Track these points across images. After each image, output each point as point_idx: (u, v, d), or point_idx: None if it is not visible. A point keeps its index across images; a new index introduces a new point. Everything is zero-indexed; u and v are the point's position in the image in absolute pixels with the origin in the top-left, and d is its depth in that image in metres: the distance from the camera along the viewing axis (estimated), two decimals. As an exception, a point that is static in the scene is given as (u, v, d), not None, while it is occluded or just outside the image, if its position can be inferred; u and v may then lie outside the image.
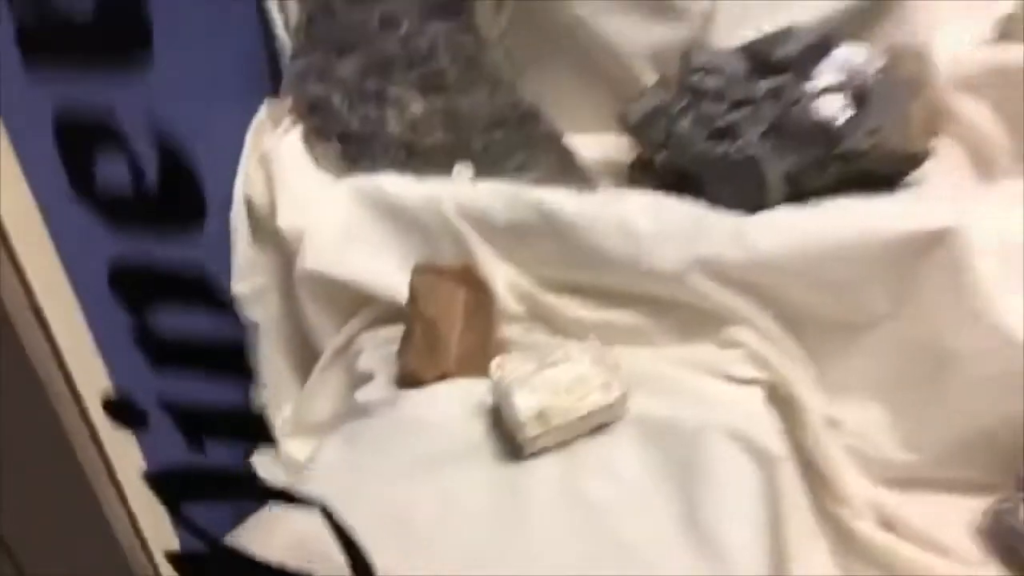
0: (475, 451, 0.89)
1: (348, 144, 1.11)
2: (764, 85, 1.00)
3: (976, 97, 1.11)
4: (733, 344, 0.98)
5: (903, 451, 0.95)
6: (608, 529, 0.80)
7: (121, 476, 0.56)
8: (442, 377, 0.98)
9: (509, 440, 0.88)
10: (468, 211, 1.04)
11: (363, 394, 1.01)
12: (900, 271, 0.93)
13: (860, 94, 0.99)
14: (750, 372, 0.96)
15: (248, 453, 1.04)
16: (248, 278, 1.09)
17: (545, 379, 0.88)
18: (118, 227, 0.41)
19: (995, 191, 1.11)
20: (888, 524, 0.91)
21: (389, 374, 1.01)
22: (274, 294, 1.11)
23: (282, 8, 1.12)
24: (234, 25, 1.11)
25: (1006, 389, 0.89)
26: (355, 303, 1.09)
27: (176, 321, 0.46)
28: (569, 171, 1.06)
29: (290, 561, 0.50)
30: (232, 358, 0.48)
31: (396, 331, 1.03)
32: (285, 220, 1.06)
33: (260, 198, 1.09)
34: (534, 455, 0.88)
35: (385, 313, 1.07)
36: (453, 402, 0.93)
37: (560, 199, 1.02)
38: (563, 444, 0.89)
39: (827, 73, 1.02)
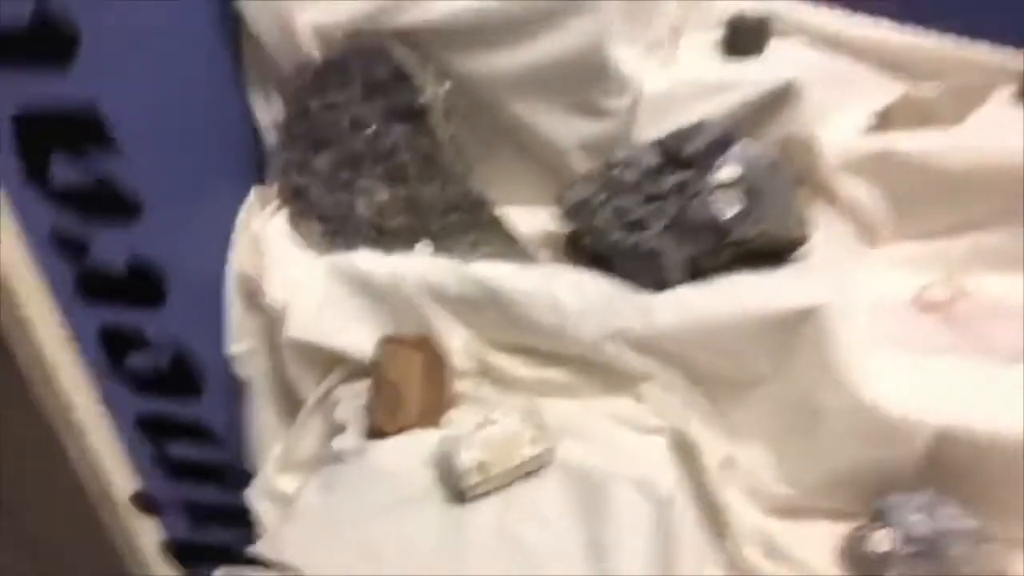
0: (428, 496, 1.09)
1: (326, 225, 1.30)
2: (670, 180, 1.19)
3: (860, 179, 1.31)
4: (645, 399, 1.18)
5: (785, 486, 1.16)
6: (533, 567, 1.00)
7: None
8: (403, 430, 1.19)
9: (455, 487, 1.08)
10: (426, 285, 1.24)
11: (338, 442, 1.21)
12: (777, 340, 1.13)
13: (750, 187, 1.17)
14: (658, 423, 1.17)
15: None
16: (240, 341, 1.30)
17: (483, 436, 1.08)
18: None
19: (877, 256, 1.32)
20: (771, 552, 1.12)
21: (360, 425, 1.21)
22: (262, 354, 1.31)
23: (267, 109, 1.31)
24: (227, 123, 1.30)
25: (860, 441, 1.10)
26: (332, 361, 1.28)
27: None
28: (513, 248, 1.25)
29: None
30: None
31: (368, 385, 1.24)
32: (271, 293, 1.26)
33: (250, 272, 1.29)
34: (476, 499, 1.08)
35: (358, 369, 1.27)
36: (411, 454, 1.13)
37: (502, 276, 1.21)
38: (500, 489, 1.09)
39: (726, 167, 1.20)
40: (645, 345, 1.16)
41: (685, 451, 1.16)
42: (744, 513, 1.15)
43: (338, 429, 1.23)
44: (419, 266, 1.25)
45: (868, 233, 1.33)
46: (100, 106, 0.94)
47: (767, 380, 1.16)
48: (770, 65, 1.34)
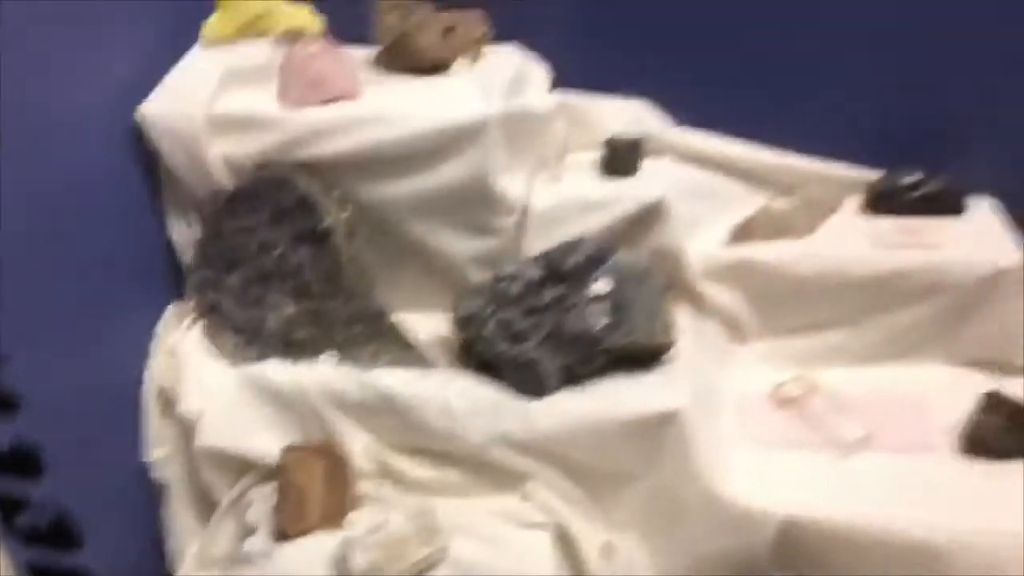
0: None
1: (238, 338, 1.41)
2: (550, 293, 1.32)
3: (723, 285, 1.46)
4: (530, 497, 1.30)
5: (657, 573, 1.27)
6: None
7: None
8: (307, 532, 1.28)
9: (352, 587, 1.17)
10: (329, 392, 1.34)
11: (248, 544, 1.30)
12: (645, 440, 1.26)
13: (621, 299, 1.31)
14: (542, 518, 1.28)
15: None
16: (158, 447, 1.39)
17: (376, 539, 1.18)
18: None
19: (742, 354, 1.47)
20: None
21: (269, 527, 1.30)
22: (179, 459, 1.40)
23: (183, 232, 1.42)
24: (145, 246, 1.41)
25: (717, 531, 1.22)
26: (244, 466, 1.37)
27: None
28: (412, 356, 1.37)
29: None
30: None
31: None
32: (185, 403, 1.35)
33: (166, 383, 1.38)
34: (370, 598, 1.18)
35: (269, 473, 1.36)
36: (312, 556, 1.23)
37: (398, 383, 1.32)
38: (396, 587, 1.19)
39: (600, 280, 1.34)
40: (527, 447, 1.27)
41: (567, 543, 1.27)
42: (623, 599, 1.27)
43: (249, 531, 1.32)
44: (323, 375, 1.36)
45: (734, 333, 1.48)
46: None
47: (639, 476, 1.28)
48: (644, 183, 1.49)
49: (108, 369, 1.35)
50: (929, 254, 1.42)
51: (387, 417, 1.33)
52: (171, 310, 1.43)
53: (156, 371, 1.39)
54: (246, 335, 1.40)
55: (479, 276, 1.42)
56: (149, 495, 1.42)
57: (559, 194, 1.48)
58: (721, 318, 1.46)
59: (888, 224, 1.48)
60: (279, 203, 1.35)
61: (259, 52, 1.43)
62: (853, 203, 1.56)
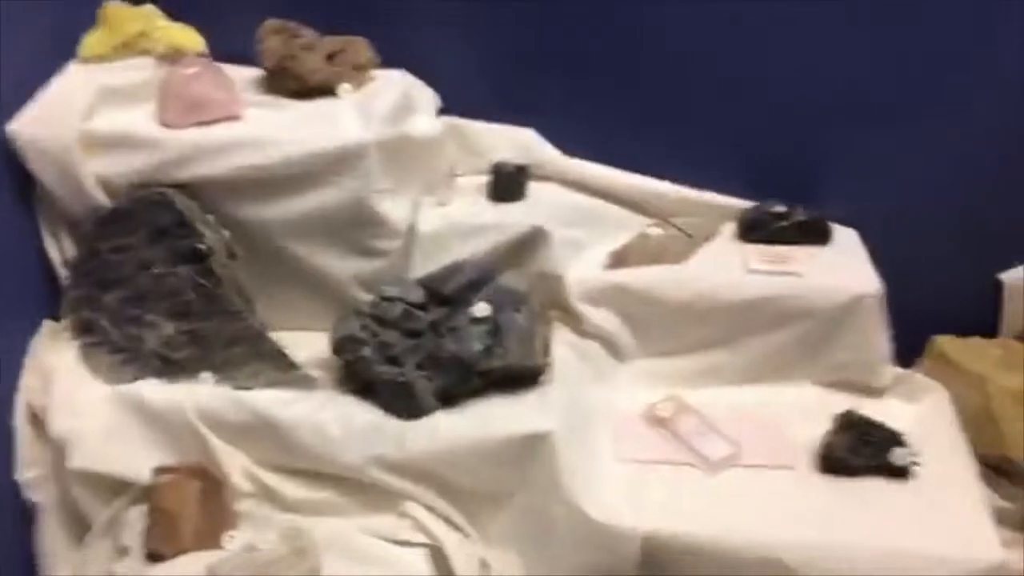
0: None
1: (116, 357, 1.39)
2: (428, 317, 1.35)
3: (601, 308, 1.51)
4: (406, 516, 1.32)
5: (530, 589, 1.31)
6: None
7: None
8: (181, 553, 1.27)
9: (220, 610, 1.17)
10: (205, 413, 1.34)
11: (121, 567, 1.28)
12: (517, 460, 1.29)
13: (497, 323, 1.35)
14: (418, 537, 1.30)
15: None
16: (30, 467, 1.36)
17: (245, 561, 1.19)
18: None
19: (621, 373, 1.52)
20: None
21: (141, 550, 1.29)
22: (52, 481, 1.37)
23: (59, 250, 1.40)
24: (19, 262, 1.38)
25: (584, 548, 1.26)
26: (119, 487, 1.35)
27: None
28: (292, 376, 1.38)
29: None
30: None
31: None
32: (56, 424, 1.33)
33: (38, 402, 1.36)
34: (240, 619, 1.18)
35: (144, 494, 1.35)
36: (180, 577, 1.22)
37: (274, 404, 1.33)
38: (264, 607, 1.20)
39: (479, 304, 1.37)
40: (402, 468, 1.30)
41: (442, 561, 1.29)
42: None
43: (122, 553, 1.30)
44: (200, 396, 1.35)
45: (613, 354, 1.53)
46: None
47: (512, 495, 1.31)
48: (529, 208, 1.54)
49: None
50: (795, 281, 1.50)
51: (263, 438, 1.33)
52: (46, 329, 1.41)
53: (28, 390, 1.36)
54: (123, 355, 1.38)
55: (365, 296, 1.45)
56: (21, 516, 1.39)
57: (446, 217, 1.52)
58: (601, 339, 1.51)
59: (758, 251, 1.56)
60: (157, 223, 1.34)
61: (138, 71, 1.43)
62: (727, 231, 1.64)
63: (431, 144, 1.51)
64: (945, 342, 1.63)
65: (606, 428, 1.42)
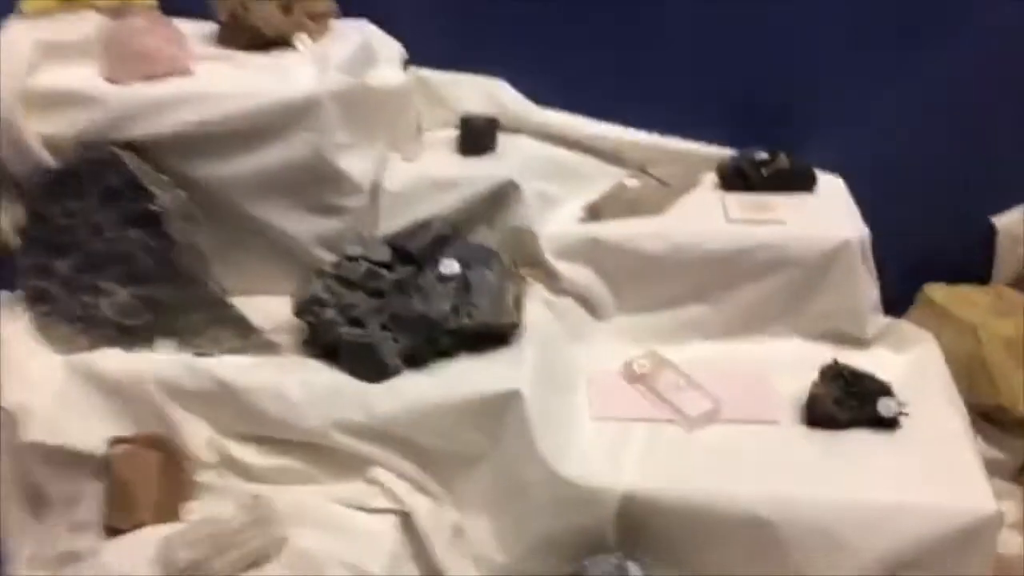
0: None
1: (71, 326, 1.33)
2: (393, 276, 1.30)
3: (577, 263, 1.45)
4: (374, 482, 1.26)
5: (500, 554, 1.26)
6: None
7: None
8: (139, 526, 1.22)
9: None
10: (163, 381, 1.28)
11: (80, 541, 1.23)
12: (488, 421, 1.24)
13: (466, 281, 1.29)
14: (387, 503, 1.25)
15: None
16: (-15, 443, 1.31)
17: (203, 533, 1.14)
18: None
19: (600, 330, 1.46)
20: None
21: (99, 524, 1.24)
22: (6, 455, 1.32)
23: (6, 215, 1.34)
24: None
25: (558, 510, 1.21)
26: (76, 460, 1.30)
27: None
28: (254, 342, 1.33)
29: None
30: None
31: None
32: (7, 396, 1.27)
33: (-9, 376, 1.31)
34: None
35: (101, 467, 1.30)
36: (140, 552, 1.16)
37: (234, 371, 1.28)
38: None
39: (446, 261, 1.32)
40: (367, 432, 1.24)
41: (413, 528, 1.25)
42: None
43: (80, 527, 1.26)
44: (158, 364, 1.30)
45: (590, 310, 1.47)
46: None
47: (484, 457, 1.26)
48: (500, 161, 1.48)
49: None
50: (778, 229, 1.44)
51: (224, 406, 1.27)
52: (3, 299, 1.36)
53: (-20, 364, 1.32)
54: (77, 323, 1.32)
55: (328, 257, 1.38)
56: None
57: (413, 173, 1.46)
58: (576, 296, 1.45)
59: (739, 201, 1.50)
60: (107, 184, 1.28)
61: (82, 25, 1.35)
62: (707, 181, 1.58)
63: (395, 97, 1.45)
64: (935, 290, 1.57)
65: (582, 386, 1.37)
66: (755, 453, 1.25)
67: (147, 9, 1.39)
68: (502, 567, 1.25)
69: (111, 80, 1.29)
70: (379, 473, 1.26)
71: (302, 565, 1.16)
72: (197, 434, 1.29)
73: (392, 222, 1.41)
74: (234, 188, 1.33)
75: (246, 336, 1.33)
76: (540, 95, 1.55)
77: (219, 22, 1.41)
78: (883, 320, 1.47)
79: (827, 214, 1.47)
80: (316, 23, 1.41)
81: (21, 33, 1.33)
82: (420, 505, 1.25)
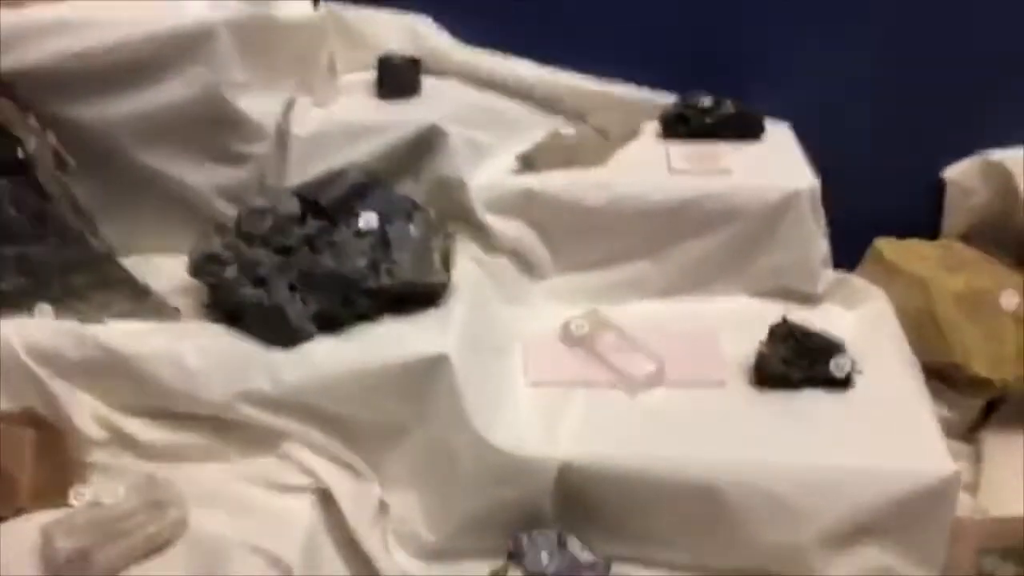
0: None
1: (-69, 292, 1.17)
2: (302, 231, 1.16)
3: (510, 218, 1.34)
4: (286, 457, 1.14)
5: (429, 532, 1.15)
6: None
7: None
8: (19, 513, 1.08)
9: (57, 577, 0.99)
10: (40, 352, 1.12)
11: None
12: (412, 389, 1.12)
13: (385, 236, 1.17)
14: (301, 481, 1.12)
15: None
16: None
17: (87, 519, 1.00)
18: None
19: (536, 290, 1.36)
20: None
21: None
22: None
23: None
24: None
25: (491, 482, 1.11)
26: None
27: None
28: (146, 306, 1.18)
29: None
30: None
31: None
32: None
33: None
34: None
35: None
36: (16, 542, 1.01)
37: (123, 339, 1.13)
38: (116, 571, 1.01)
39: (363, 215, 1.19)
40: (278, 403, 1.11)
41: (331, 506, 1.13)
42: (394, 558, 1.14)
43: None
44: (35, 332, 1.14)
45: (526, 268, 1.37)
46: None
47: (409, 428, 1.14)
48: (423, 106, 1.36)
49: None
50: (723, 180, 1.35)
51: (114, 376, 1.12)
52: None
53: None
54: (-60, 289, 1.17)
55: (230, 211, 1.25)
56: None
57: (327, 118, 1.32)
58: (510, 253, 1.34)
59: (683, 150, 1.40)
60: (-35, 127, 1.12)
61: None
62: (649, 129, 1.47)
63: (303, 31, 1.31)
64: (884, 244, 1.50)
65: (517, 350, 1.26)
66: (702, 417, 1.17)
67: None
68: (431, 546, 1.14)
69: (-32, 6, 1.13)
70: (293, 448, 1.13)
71: (205, 551, 1.03)
72: (83, 409, 1.14)
73: (302, 172, 1.27)
74: (118, 131, 1.18)
75: (138, 299, 1.18)
76: (467, 33, 1.43)
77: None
78: (832, 275, 1.40)
79: (775, 164, 1.39)
80: (212, -54, 1.26)
81: None
82: (340, 481, 1.13)
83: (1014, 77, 1.48)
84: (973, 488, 1.30)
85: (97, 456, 1.15)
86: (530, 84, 1.43)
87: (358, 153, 1.29)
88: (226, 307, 1.16)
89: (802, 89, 1.49)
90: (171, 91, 1.15)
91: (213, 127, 1.20)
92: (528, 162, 1.35)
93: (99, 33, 1.11)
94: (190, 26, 1.13)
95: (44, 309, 1.17)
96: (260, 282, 1.13)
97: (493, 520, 1.13)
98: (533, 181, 1.34)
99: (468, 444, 1.10)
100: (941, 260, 1.48)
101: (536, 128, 1.41)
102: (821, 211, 1.36)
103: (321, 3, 1.37)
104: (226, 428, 1.15)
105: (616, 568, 1.10)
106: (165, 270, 1.24)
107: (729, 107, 1.43)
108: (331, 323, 1.15)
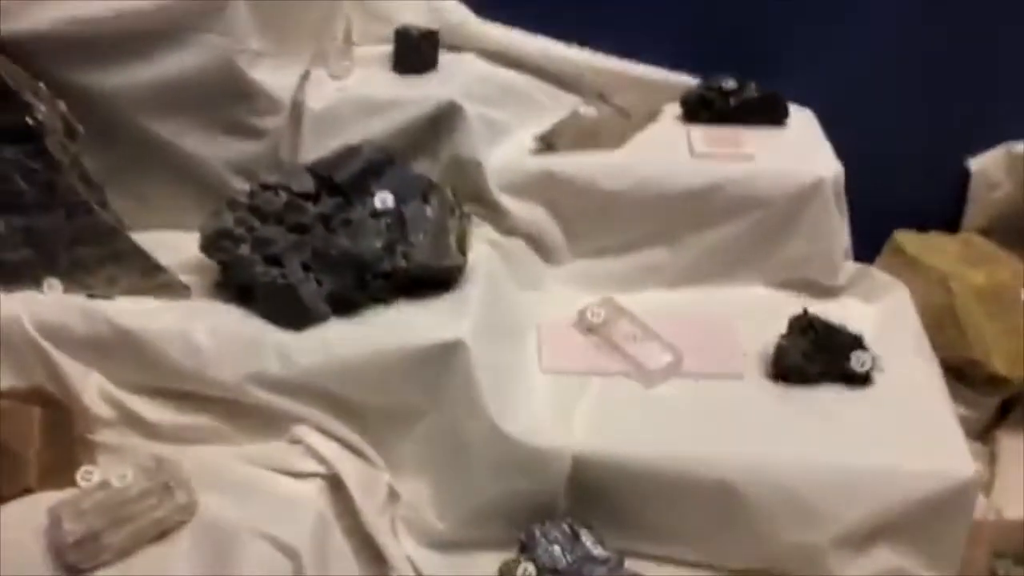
0: (38, 572, 0.97)
1: (-64, 263, 1.14)
2: (316, 209, 1.13)
3: (527, 200, 1.31)
4: (297, 441, 1.12)
5: (440, 521, 1.13)
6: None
7: None
8: (25, 493, 1.06)
9: (64, 561, 0.96)
10: (48, 327, 1.10)
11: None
12: (426, 374, 1.10)
13: (401, 216, 1.14)
14: (311, 466, 1.10)
15: None
16: None
17: (94, 501, 0.98)
18: None
19: (552, 275, 1.34)
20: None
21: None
22: None
23: None
24: None
25: (504, 473, 1.09)
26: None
27: None
28: (156, 282, 1.15)
29: None
30: None
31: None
32: None
33: None
34: (92, 571, 0.98)
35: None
36: (23, 523, 0.99)
37: (133, 316, 1.10)
38: (123, 556, 1.00)
39: (379, 194, 1.16)
40: (289, 386, 1.09)
41: (340, 491, 1.11)
42: (403, 547, 1.12)
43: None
44: (43, 306, 1.11)
45: (541, 252, 1.34)
46: None
47: (422, 414, 1.13)
48: (440, 81, 1.32)
49: None
50: (746, 165, 1.31)
51: (123, 356, 1.10)
52: None
53: None
54: (-55, 260, 1.14)
55: (243, 186, 1.21)
56: None
57: (342, 92, 1.28)
58: (526, 236, 1.31)
59: (704, 134, 1.37)
60: (-29, 94, 1.09)
61: None
62: (671, 111, 1.44)
63: (321, 2, 1.26)
64: (904, 237, 1.47)
65: (532, 337, 1.24)
66: (718, 410, 1.15)
67: None
68: (441, 535, 1.12)
69: (-28, -34, 1.08)
70: (303, 432, 1.11)
71: (213, 536, 1.01)
72: (91, 387, 1.12)
73: (316, 148, 1.24)
74: (129, 100, 1.15)
75: (148, 275, 1.15)
76: (488, 7, 1.38)
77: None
78: (853, 267, 1.38)
79: (799, 150, 1.35)
80: (229, -90, 1.21)
81: None
82: (350, 467, 1.11)
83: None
84: (987, 488, 1.29)
85: (104, 436, 1.13)
86: (550, 61, 1.39)
87: (373, 129, 1.26)
88: (238, 286, 1.13)
89: (827, 76, 1.45)
90: (184, 59, 1.12)
91: (226, 98, 1.16)
92: (547, 142, 1.32)
93: (108, -2, 1.07)
94: (205, -7, 1.09)
95: (53, 284, 1.15)
96: (273, 260, 1.10)
97: (505, 510, 1.11)
98: (551, 162, 1.31)
99: (481, 432, 1.08)
100: (962, 254, 1.45)
101: (555, 106, 1.38)
102: (844, 201, 1.33)
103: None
104: (235, 410, 1.13)
105: (629, 563, 1.08)
106: (176, 246, 1.20)
107: (753, 90, 1.40)
108: (345, 305, 1.12)
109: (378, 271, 1.11)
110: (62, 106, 1.11)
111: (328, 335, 1.10)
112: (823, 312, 1.25)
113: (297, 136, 1.24)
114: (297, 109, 1.22)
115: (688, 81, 1.44)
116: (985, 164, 1.51)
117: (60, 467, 1.08)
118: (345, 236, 1.11)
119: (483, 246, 1.25)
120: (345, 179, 1.17)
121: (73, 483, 1.08)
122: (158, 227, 1.23)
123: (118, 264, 1.15)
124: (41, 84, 1.10)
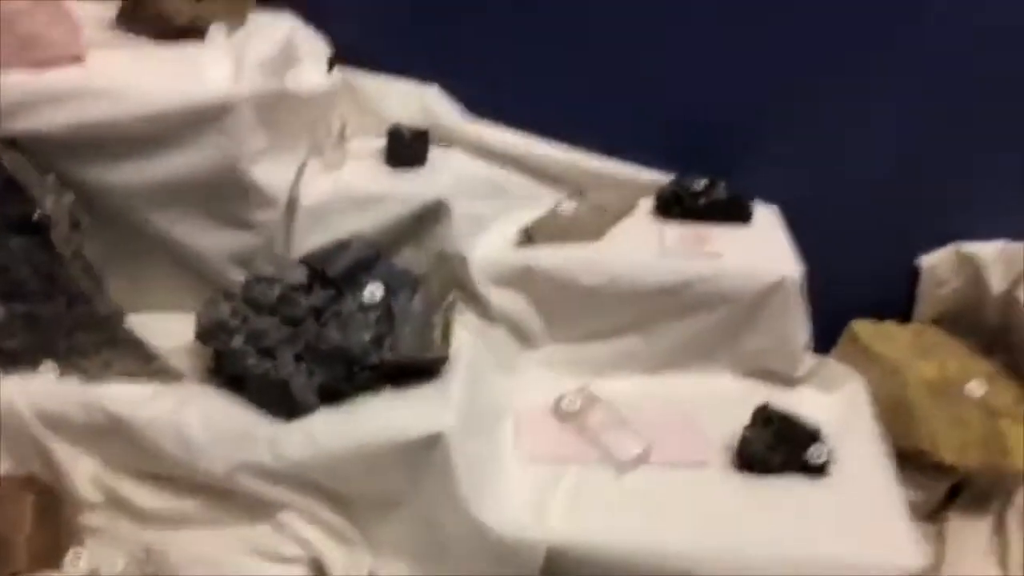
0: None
1: (-65, 347, 1.17)
2: (308, 302, 1.18)
3: (509, 290, 1.38)
4: (283, 527, 1.16)
5: (418, 605, 1.18)
6: None
7: None
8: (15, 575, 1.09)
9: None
10: (44, 412, 1.15)
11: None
12: (408, 465, 1.15)
13: (389, 310, 1.20)
14: (295, 551, 1.15)
15: None
16: None
17: (84, 591, 1.02)
18: None
19: (531, 361, 1.40)
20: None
21: (-36, 573, 1.10)
22: None
23: None
24: None
25: (481, 562, 1.14)
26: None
27: None
28: (151, 367, 1.20)
29: None
30: None
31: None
32: None
33: None
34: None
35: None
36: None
37: (127, 403, 1.15)
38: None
39: (368, 287, 1.22)
40: (277, 476, 1.14)
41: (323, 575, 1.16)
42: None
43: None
44: (39, 391, 1.15)
45: (522, 338, 1.40)
46: None
47: (404, 503, 1.17)
48: (430, 177, 1.38)
49: None
50: (713, 263, 1.40)
51: (115, 441, 1.15)
52: None
53: None
54: (-56, 344, 1.17)
55: (238, 277, 1.26)
56: None
57: (335, 186, 1.34)
58: (507, 324, 1.38)
59: (675, 231, 1.45)
60: (-18, 186, 1.13)
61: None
62: (645, 205, 1.52)
63: (317, 101, 1.33)
64: (860, 327, 1.57)
65: (510, 424, 1.30)
66: (685, 500, 1.22)
67: (33, -14, 1.22)
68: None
69: (-10, 67, 1.13)
70: (288, 517, 1.16)
71: (199, 624, 1.06)
72: (83, 472, 1.16)
73: (309, 240, 1.29)
74: (132, 195, 1.19)
75: (142, 361, 1.20)
76: (476, 107, 1.46)
77: (121, 5, 1.26)
78: (812, 360, 1.46)
79: (763, 250, 1.44)
80: (233, 13, 1.27)
81: None
82: (332, 551, 1.16)
83: (988, 177, 1.55)
84: (936, 567, 1.37)
85: (94, 520, 1.17)
86: (532, 158, 1.46)
87: (363, 223, 1.31)
88: (231, 375, 1.18)
89: (791, 177, 1.55)
90: (186, 160, 1.16)
91: (225, 195, 1.21)
92: (528, 235, 1.39)
93: (119, 103, 1.12)
94: (213, 101, 1.14)
95: (48, 368, 1.18)
96: (266, 353, 1.15)
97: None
98: (531, 256, 1.38)
99: (460, 522, 1.14)
100: (914, 344, 1.55)
101: (536, 201, 1.45)
102: (804, 298, 1.42)
103: (335, 69, 1.40)
104: (223, 495, 1.17)
105: (600, 649, 1.14)
106: (169, 329, 1.24)
107: (722, 191, 1.49)
108: (333, 395, 1.17)
109: (366, 363, 1.16)
110: (68, 198, 1.16)
111: (316, 427, 1.15)
112: (784, 401, 1.34)
113: (291, 229, 1.29)
114: (291, 203, 1.28)
115: (661, 179, 1.52)
116: (934, 262, 1.61)
117: (49, 551, 1.12)
118: (336, 329, 1.17)
119: (465, 333, 1.31)
120: (337, 272, 1.22)
121: (60, 567, 1.11)
122: (155, 309, 1.27)
123: (114, 350, 1.20)
124: (49, 176, 1.15)
